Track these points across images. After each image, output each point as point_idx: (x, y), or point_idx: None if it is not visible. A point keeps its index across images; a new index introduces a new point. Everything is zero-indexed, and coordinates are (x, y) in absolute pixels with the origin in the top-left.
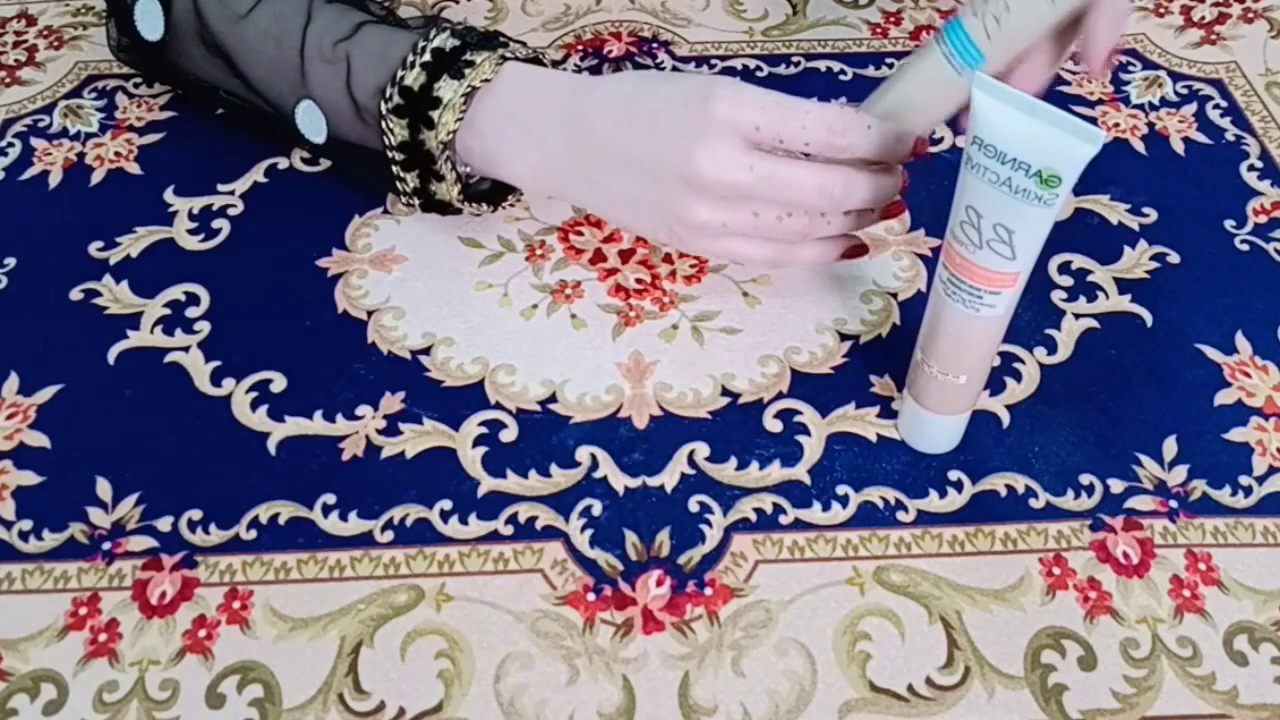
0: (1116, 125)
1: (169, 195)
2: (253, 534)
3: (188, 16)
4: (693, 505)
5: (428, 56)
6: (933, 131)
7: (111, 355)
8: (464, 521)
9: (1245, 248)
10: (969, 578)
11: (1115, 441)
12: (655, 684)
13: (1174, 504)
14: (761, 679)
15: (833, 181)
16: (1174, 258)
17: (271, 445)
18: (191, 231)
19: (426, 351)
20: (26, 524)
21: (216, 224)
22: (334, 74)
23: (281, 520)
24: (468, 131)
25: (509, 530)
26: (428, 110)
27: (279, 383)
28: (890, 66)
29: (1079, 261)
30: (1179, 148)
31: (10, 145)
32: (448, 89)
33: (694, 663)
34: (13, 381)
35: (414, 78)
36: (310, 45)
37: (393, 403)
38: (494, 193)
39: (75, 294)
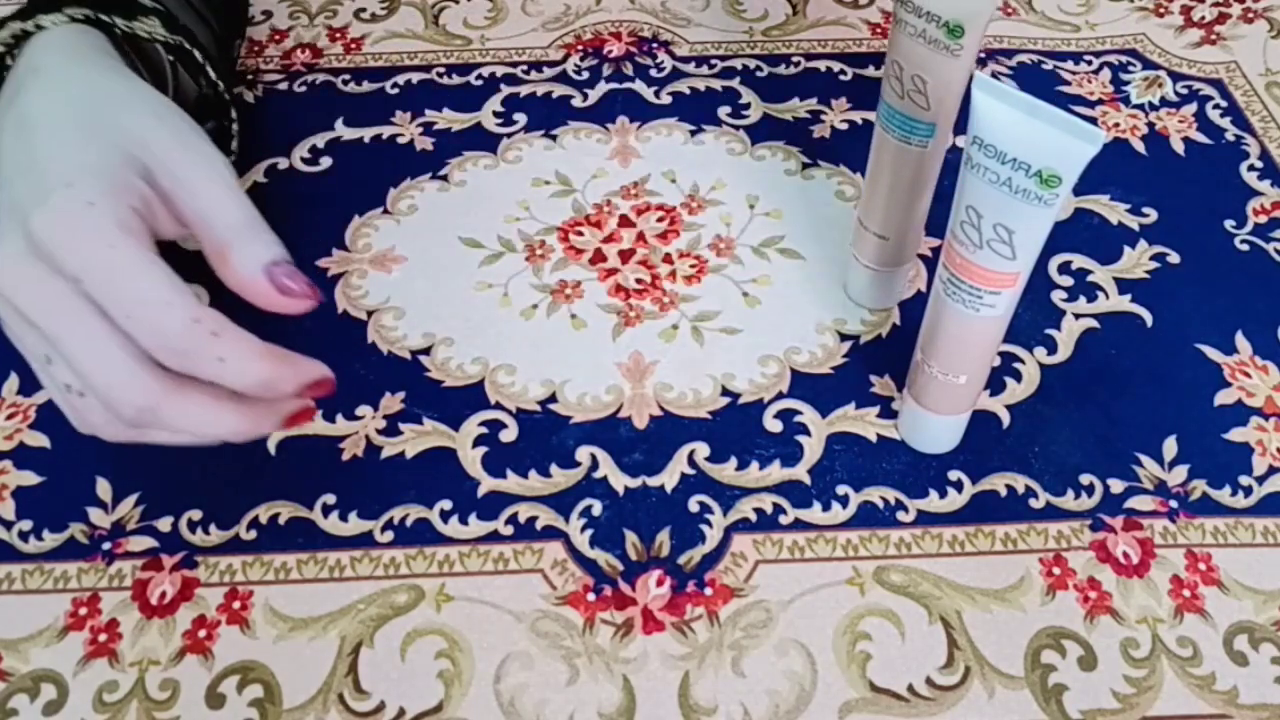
0: (1116, 125)
1: None
2: (253, 534)
3: None
4: (693, 505)
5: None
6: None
7: None
8: (464, 521)
9: (1245, 248)
10: (969, 578)
11: (1115, 441)
12: (655, 684)
13: (1174, 504)
14: (761, 679)
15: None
16: (1174, 258)
17: (271, 445)
18: None
19: (426, 351)
20: (26, 524)
21: None
22: None
23: (281, 520)
24: None
25: (509, 530)
26: None
27: None
28: None
29: (1079, 261)
30: (1179, 148)
31: None
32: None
33: (694, 663)
34: (13, 381)
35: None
36: None
37: (393, 403)
38: None
39: None
